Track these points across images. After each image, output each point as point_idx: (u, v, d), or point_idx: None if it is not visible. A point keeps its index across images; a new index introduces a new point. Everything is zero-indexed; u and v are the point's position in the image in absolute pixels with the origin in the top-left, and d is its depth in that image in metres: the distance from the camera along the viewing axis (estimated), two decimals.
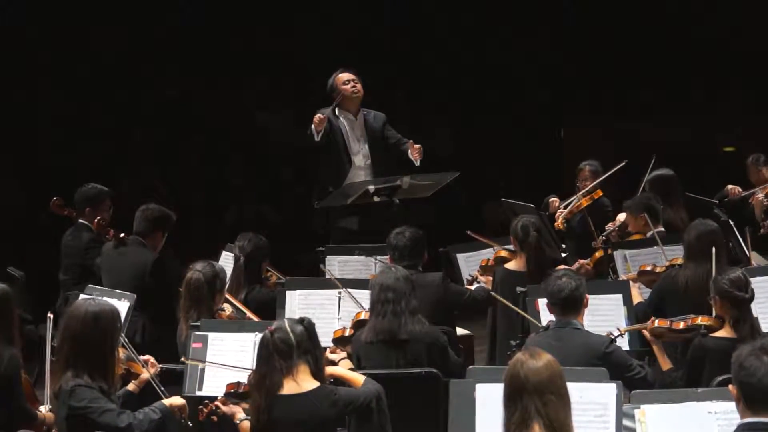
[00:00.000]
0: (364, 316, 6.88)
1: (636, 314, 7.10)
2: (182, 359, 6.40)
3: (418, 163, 9.34)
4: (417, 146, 9.31)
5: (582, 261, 8.38)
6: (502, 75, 13.87)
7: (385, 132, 9.51)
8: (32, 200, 11.45)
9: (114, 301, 6.47)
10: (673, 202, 8.92)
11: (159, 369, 6.20)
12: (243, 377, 5.79)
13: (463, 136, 13.91)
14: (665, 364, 6.47)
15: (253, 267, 7.77)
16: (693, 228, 7.45)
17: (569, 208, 9.64)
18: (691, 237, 7.38)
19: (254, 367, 5.55)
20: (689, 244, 7.38)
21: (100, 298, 6.09)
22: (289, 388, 5.38)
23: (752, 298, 6.28)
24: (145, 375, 6.14)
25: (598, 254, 8.59)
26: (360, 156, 9.49)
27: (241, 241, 7.83)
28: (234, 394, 5.67)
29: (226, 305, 7.01)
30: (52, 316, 6.64)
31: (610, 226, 9.03)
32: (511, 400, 4.61)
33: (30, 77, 12.62)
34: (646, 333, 6.62)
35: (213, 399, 5.76)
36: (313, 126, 9.20)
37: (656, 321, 6.58)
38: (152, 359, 6.24)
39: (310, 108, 9.50)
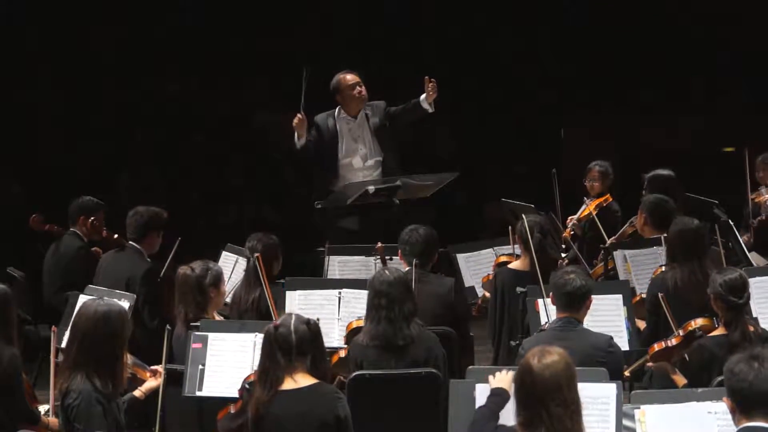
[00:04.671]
0: (356, 324, 6.89)
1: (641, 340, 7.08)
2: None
3: (432, 108, 9.35)
4: (431, 83, 9.32)
5: None
6: (502, 75, 13.87)
7: (389, 115, 9.52)
8: (32, 200, 11.44)
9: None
10: None
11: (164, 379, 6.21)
12: (238, 383, 5.77)
13: (463, 136, 13.90)
14: (680, 380, 6.43)
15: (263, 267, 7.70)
16: (673, 227, 7.45)
17: (578, 214, 9.65)
18: (673, 236, 7.39)
19: (259, 361, 5.54)
20: (671, 244, 7.39)
21: (107, 298, 6.08)
22: (287, 384, 5.37)
23: (746, 303, 6.25)
24: (154, 383, 6.16)
25: (598, 270, 8.61)
26: (358, 158, 9.48)
27: (251, 241, 7.75)
28: (226, 423, 5.64)
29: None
30: (56, 329, 6.66)
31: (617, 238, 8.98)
32: (519, 402, 4.63)
33: (30, 77, 12.62)
34: (650, 365, 6.60)
35: (212, 401, 5.77)
36: (295, 129, 9.21)
37: (654, 347, 6.56)
38: (160, 369, 6.24)
39: (310, 108, 9.51)
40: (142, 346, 7.46)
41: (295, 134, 9.32)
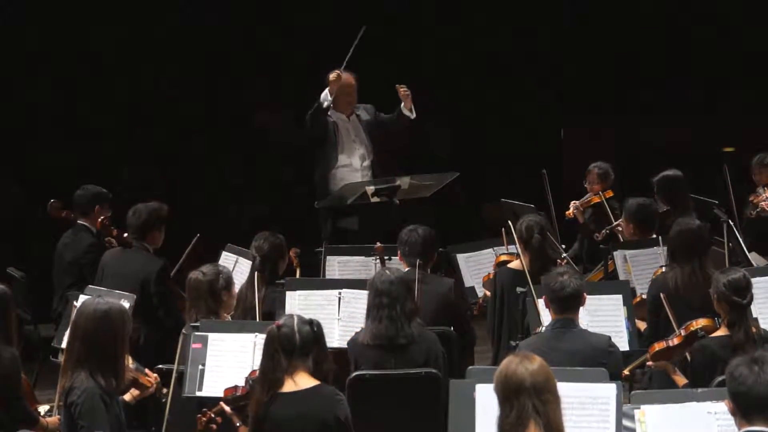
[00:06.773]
0: None
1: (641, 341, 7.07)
2: None
3: (413, 114, 9.38)
4: (402, 89, 9.36)
5: None
6: (502, 75, 13.87)
7: (378, 119, 9.56)
8: (32, 200, 11.44)
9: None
10: (678, 203, 8.88)
11: (160, 388, 6.20)
12: (240, 380, 5.76)
13: (463, 136, 13.90)
14: (680, 380, 6.43)
15: (270, 267, 7.68)
16: (674, 228, 7.46)
17: (582, 200, 9.72)
18: (673, 237, 7.41)
19: (260, 361, 5.53)
20: (672, 245, 7.40)
21: (107, 297, 6.08)
22: (287, 386, 5.36)
23: (750, 302, 6.25)
24: (149, 390, 6.16)
25: (596, 276, 8.63)
26: (356, 157, 9.50)
27: (258, 240, 7.73)
28: (232, 399, 5.62)
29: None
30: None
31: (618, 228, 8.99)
32: (507, 400, 4.62)
33: (30, 77, 12.62)
34: (650, 363, 6.60)
35: (212, 401, 5.75)
36: (329, 84, 9.18)
37: (655, 346, 6.56)
38: (157, 377, 6.24)
39: (309, 108, 9.52)
40: (149, 347, 7.49)
41: (327, 90, 9.29)
